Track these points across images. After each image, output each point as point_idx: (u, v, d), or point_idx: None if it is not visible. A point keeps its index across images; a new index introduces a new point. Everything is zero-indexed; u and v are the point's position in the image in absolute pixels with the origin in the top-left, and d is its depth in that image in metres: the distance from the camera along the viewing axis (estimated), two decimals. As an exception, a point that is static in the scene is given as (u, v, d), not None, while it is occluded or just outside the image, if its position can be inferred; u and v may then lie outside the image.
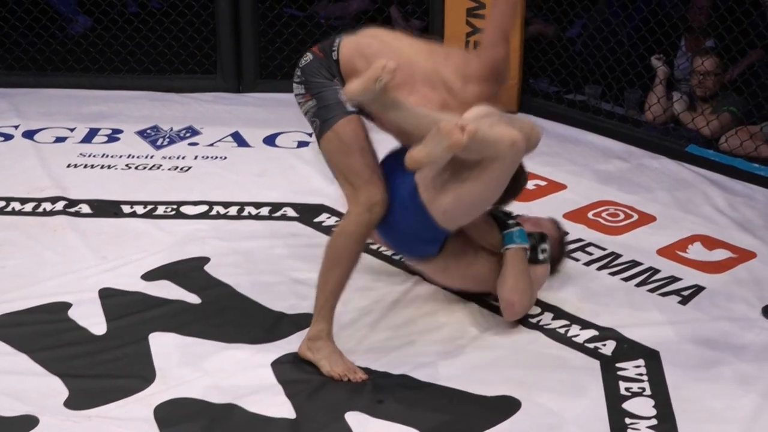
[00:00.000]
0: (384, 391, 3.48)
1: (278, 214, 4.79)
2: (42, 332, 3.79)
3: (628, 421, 3.32)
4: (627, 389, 3.49)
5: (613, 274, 4.26)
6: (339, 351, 3.58)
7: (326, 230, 4.57)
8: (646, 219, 4.78)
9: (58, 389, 3.46)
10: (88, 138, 5.70)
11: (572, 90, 6.19)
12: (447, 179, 3.59)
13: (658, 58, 5.87)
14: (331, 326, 3.62)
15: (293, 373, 3.56)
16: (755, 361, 3.66)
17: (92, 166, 5.32)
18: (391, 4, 7.18)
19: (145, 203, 4.86)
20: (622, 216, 4.81)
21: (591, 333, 3.82)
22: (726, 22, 5.54)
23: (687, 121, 5.68)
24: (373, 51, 3.59)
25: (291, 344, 3.70)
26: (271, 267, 4.29)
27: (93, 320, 3.86)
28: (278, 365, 3.60)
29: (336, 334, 3.64)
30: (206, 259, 4.33)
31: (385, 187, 3.63)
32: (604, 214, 4.75)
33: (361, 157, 3.62)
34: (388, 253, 4.33)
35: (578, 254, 4.37)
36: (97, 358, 3.64)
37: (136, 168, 5.32)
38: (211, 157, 5.47)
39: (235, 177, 5.22)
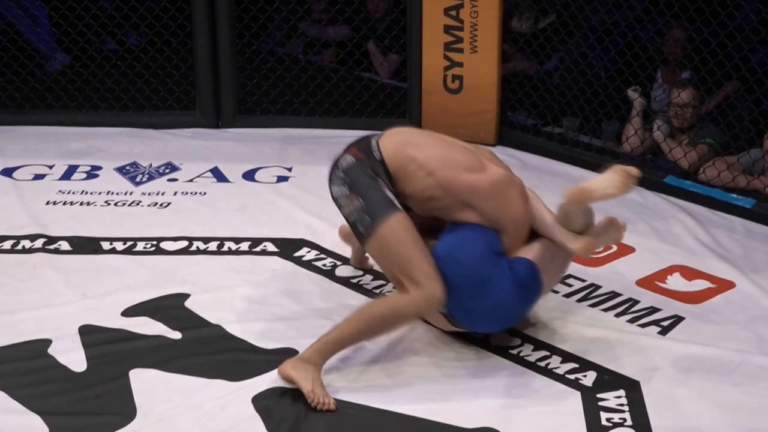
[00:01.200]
0: (363, 423, 3.47)
1: (258, 248, 4.79)
2: (21, 370, 3.77)
3: (609, 451, 3.33)
4: (608, 420, 3.49)
5: (593, 305, 4.28)
6: (321, 381, 3.58)
7: (306, 264, 4.58)
8: (625, 250, 4.79)
9: (39, 427, 3.44)
10: (67, 175, 5.69)
11: (550, 123, 6.22)
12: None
13: (635, 90, 5.91)
14: (323, 363, 3.63)
15: (274, 408, 3.55)
16: (735, 391, 3.67)
17: (71, 203, 5.31)
18: (368, 39, 7.21)
19: (124, 239, 4.85)
20: (600, 248, 4.81)
21: (571, 364, 3.83)
22: (701, 53, 5.59)
23: (667, 150, 5.71)
24: (421, 141, 3.78)
25: (271, 380, 3.69)
26: (252, 302, 4.28)
27: (73, 357, 3.85)
28: (259, 401, 3.59)
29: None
30: (186, 295, 4.33)
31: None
32: (583, 246, 4.77)
33: (421, 251, 3.64)
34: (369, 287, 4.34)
35: (558, 286, 4.38)
36: (77, 395, 3.62)
37: (116, 204, 5.31)
38: (191, 193, 5.47)
39: (214, 212, 5.22)
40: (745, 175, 5.38)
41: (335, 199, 3.79)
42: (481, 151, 3.94)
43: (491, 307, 3.72)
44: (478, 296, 3.68)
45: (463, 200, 3.72)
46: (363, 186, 3.67)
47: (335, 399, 3.55)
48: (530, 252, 3.79)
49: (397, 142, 3.77)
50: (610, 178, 3.56)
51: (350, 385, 3.67)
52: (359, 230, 3.68)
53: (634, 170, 3.57)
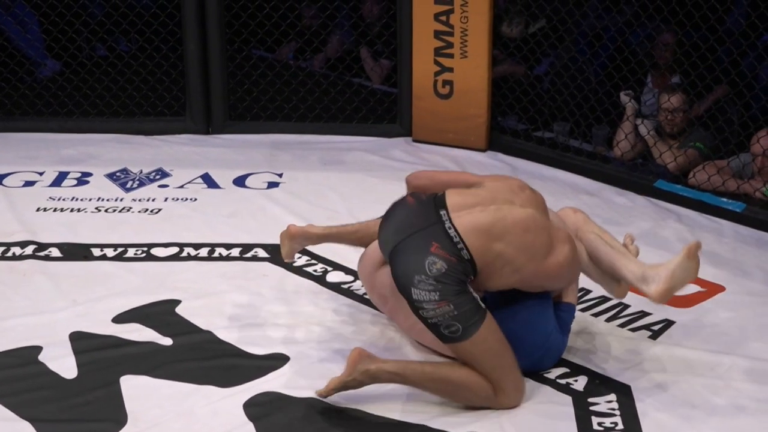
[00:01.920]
0: (355, 429, 3.48)
1: (249, 254, 4.79)
2: (12, 377, 3.76)
3: (600, 456, 3.33)
4: (600, 424, 3.50)
5: (583, 310, 4.27)
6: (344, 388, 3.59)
7: (297, 270, 4.58)
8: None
9: (29, 434, 3.44)
10: (58, 181, 5.68)
11: (540, 127, 6.23)
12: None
13: (627, 94, 5.92)
14: (368, 383, 3.56)
15: (265, 413, 3.55)
16: (725, 395, 3.67)
17: (62, 210, 5.30)
18: (359, 44, 7.23)
19: (115, 246, 4.85)
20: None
21: (562, 369, 3.83)
22: (691, 58, 5.60)
23: (657, 154, 5.72)
24: (500, 224, 3.55)
25: (262, 385, 3.70)
26: (243, 308, 4.28)
27: (64, 364, 3.84)
28: (250, 407, 3.58)
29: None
30: (177, 302, 4.32)
31: None
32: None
33: (511, 361, 3.59)
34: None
35: (549, 291, 4.38)
36: (68, 402, 3.61)
37: (106, 211, 5.30)
38: (181, 199, 5.47)
39: (205, 218, 5.22)
40: (735, 179, 5.40)
41: (416, 301, 3.49)
42: (539, 201, 3.80)
43: (543, 356, 3.78)
44: (535, 353, 3.75)
45: (538, 285, 3.69)
46: (454, 293, 3.46)
47: (331, 405, 3.56)
48: (572, 293, 3.88)
49: (480, 233, 3.51)
50: (687, 267, 3.65)
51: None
52: (443, 333, 3.50)
53: (699, 244, 3.64)
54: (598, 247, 3.81)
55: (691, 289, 4.47)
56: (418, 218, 3.56)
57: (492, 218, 3.54)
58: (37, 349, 3.94)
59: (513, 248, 3.52)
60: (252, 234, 4.99)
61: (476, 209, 3.56)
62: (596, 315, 4.25)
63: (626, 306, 4.31)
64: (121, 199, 5.46)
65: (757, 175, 5.35)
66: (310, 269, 4.62)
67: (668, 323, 4.19)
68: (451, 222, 3.50)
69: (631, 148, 5.90)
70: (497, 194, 3.65)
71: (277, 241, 4.65)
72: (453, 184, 3.79)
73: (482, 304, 3.51)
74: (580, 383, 3.74)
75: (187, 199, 5.48)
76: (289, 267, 4.62)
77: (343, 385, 3.53)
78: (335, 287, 4.45)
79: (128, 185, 5.65)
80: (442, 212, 3.53)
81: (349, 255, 4.40)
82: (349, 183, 5.73)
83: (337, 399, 3.58)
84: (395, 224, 3.63)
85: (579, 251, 3.78)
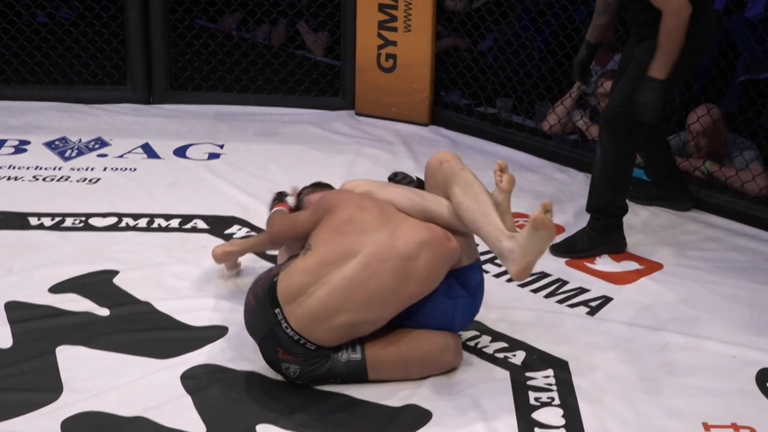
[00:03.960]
0: (289, 399, 3.47)
1: (188, 226, 4.76)
2: (-54, 346, 3.73)
3: (537, 430, 3.34)
4: (536, 399, 3.51)
5: (522, 285, 4.29)
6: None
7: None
8: (555, 230, 4.81)
9: (-38, 404, 3.40)
10: (-5, 149, 5.63)
11: (483, 103, 6.24)
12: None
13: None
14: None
15: (203, 385, 3.53)
16: (661, 371, 3.71)
17: (-1, 178, 5.25)
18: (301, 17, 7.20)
19: (53, 215, 4.80)
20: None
21: (501, 344, 3.84)
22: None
23: (590, 137, 5.75)
24: (329, 295, 3.44)
25: (199, 357, 3.68)
26: (181, 280, 4.25)
27: (-2, 333, 3.81)
28: (187, 379, 3.56)
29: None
30: (115, 272, 4.29)
31: None
32: (513, 226, 4.78)
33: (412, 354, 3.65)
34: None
35: (488, 266, 4.39)
36: (2, 371, 3.57)
37: (44, 180, 5.25)
38: (121, 169, 5.43)
39: (144, 189, 5.18)
40: (675, 157, 5.43)
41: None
42: (383, 208, 3.65)
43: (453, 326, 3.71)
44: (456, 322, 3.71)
45: (410, 302, 3.57)
46: (322, 369, 3.52)
47: (272, 379, 3.55)
48: (468, 255, 3.70)
49: (317, 321, 3.43)
50: (537, 237, 3.41)
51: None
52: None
53: (546, 205, 3.41)
54: (461, 209, 3.58)
55: (630, 266, 4.52)
56: (261, 321, 3.50)
57: (324, 297, 3.41)
58: (-28, 319, 3.90)
59: (356, 312, 3.42)
60: (192, 205, 4.97)
61: (307, 293, 3.43)
62: (535, 291, 4.27)
63: (565, 282, 4.33)
64: (60, 168, 5.40)
65: (695, 153, 5.39)
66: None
67: (606, 299, 4.22)
68: (286, 321, 3.43)
69: (561, 126, 5.91)
70: (330, 253, 3.49)
71: (217, 212, 4.64)
72: (302, 233, 3.72)
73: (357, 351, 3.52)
74: (518, 358, 3.76)
75: (126, 169, 5.44)
76: (229, 239, 4.59)
77: None
78: (274, 258, 4.43)
79: (67, 154, 5.60)
80: (277, 311, 3.45)
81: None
82: (290, 155, 5.71)
83: (276, 375, 3.57)
84: (248, 325, 3.59)
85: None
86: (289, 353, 3.45)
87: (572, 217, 4.96)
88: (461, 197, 3.57)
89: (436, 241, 3.50)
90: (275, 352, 3.48)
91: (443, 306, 3.62)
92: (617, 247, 4.61)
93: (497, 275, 4.37)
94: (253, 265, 4.34)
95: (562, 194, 5.27)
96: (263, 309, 3.48)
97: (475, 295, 3.71)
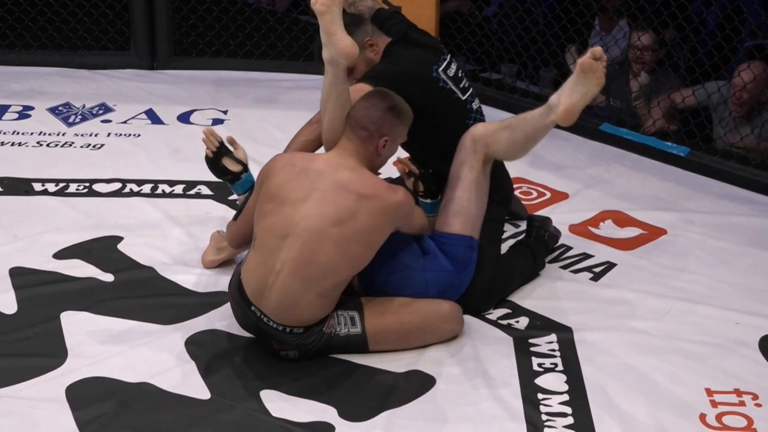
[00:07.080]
0: (301, 369, 3.47)
1: (192, 192, 4.76)
2: (-50, 312, 3.74)
3: (540, 396, 3.35)
4: (540, 365, 3.52)
5: (526, 251, 4.29)
6: None
7: (241, 208, 4.54)
8: (558, 197, 4.82)
9: (-33, 369, 3.41)
10: (-2, 115, 5.62)
11: (488, 68, 6.22)
12: None
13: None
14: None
15: (208, 351, 3.54)
16: (664, 337, 3.71)
17: (2, 144, 5.24)
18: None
19: (56, 181, 4.80)
20: (535, 194, 4.85)
21: (504, 310, 3.85)
22: (638, 1, 5.60)
23: (600, 100, 5.73)
24: (289, 276, 3.42)
25: (204, 323, 3.70)
26: (185, 245, 4.26)
27: (3, 299, 3.81)
28: (192, 344, 3.58)
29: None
30: (119, 238, 4.29)
31: None
32: (517, 192, 4.76)
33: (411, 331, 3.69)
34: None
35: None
36: (7, 337, 3.59)
37: (48, 145, 5.25)
38: (125, 135, 5.42)
39: (148, 154, 5.18)
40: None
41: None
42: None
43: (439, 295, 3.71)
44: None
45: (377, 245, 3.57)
46: (320, 342, 3.55)
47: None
48: (457, 223, 3.73)
49: (289, 306, 3.43)
50: (584, 80, 3.48)
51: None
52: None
53: (595, 52, 3.42)
54: (513, 135, 3.79)
55: (634, 231, 4.51)
56: (245, 319, 3.52)
57: (283, 285, 3.40)
58: (-24, 284, 3.91)
59: (318, 285, 3.41)
60: (196, 171, 4.94)
61: (267, 286, 3.42)
62: (539, 256, 4.28)
63: (569, 248, 4.33)
64: (63, 134, 5.40)
65: (736, 109, 5.29)
66: (253, 207, 4.59)
67: (610, 265, 4.21)
68: (265, 315, 3.44)
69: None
70: (268, 239, 3.46)
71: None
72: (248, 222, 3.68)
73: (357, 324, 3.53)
74: (521, 324, 3.76)
75: (130, 134, 5.43)
76: (233, 204, 4.59)
77: None
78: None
79: (71, 120, 5.59)
80: (253, 308, 3.46)
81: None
82: (294, 121, 5.66)
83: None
84: (238, 321, 3.58)
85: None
86: (282, 343, 3.47)
87: (575, 185, 4.96)
88: (502, 126, 3.81)
89: (371, 197, 3.45)
90: (269, 344, 3.50)
91: (416, 278, 3.64)
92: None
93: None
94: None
95: (567, 160, 5.25)
96: (242, 309, 3.51)
97: (461, 272, 3.71)
